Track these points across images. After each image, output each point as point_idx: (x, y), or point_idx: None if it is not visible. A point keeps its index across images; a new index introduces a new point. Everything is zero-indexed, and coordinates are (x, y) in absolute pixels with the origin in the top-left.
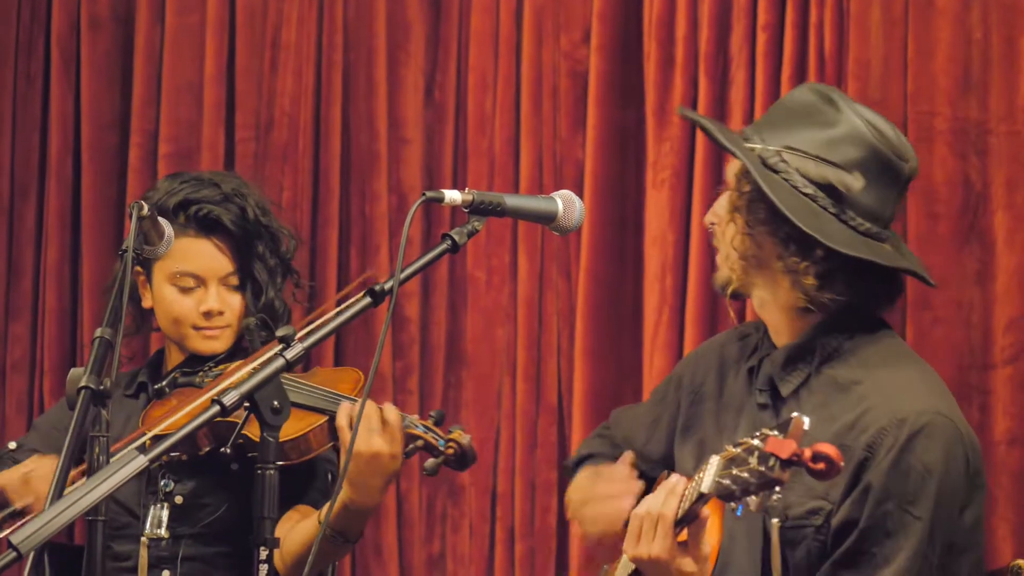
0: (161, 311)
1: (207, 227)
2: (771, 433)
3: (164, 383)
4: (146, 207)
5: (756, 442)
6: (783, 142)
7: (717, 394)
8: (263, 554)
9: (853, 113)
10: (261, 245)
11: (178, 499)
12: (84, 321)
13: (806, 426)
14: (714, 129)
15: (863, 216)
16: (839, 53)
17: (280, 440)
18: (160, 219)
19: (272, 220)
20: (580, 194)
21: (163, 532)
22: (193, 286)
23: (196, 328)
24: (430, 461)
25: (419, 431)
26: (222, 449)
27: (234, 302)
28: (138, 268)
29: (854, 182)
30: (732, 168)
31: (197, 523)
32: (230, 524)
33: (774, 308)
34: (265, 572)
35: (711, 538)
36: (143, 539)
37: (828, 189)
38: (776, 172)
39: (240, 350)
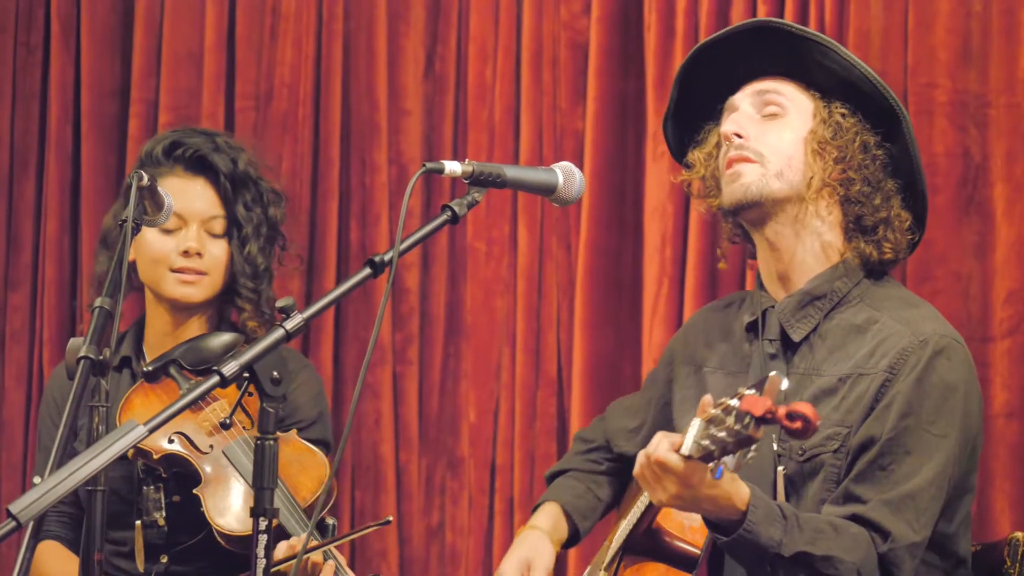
0: (142, 254)
1: (195, 167)
2: (747, 392)
3: (157, 367)
4: (146, 177)
5: (733, 401)
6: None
7: (712, 358)
8: (262, 524)
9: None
10: (249, 196)
11: (175, 497)
12: (83, 291)
13: (783, 385)
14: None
15: None
16: (839, 24)
17: (227, 534)
18: (159, 189)
19: (263, 179)
20: (580, 165)
21: (160, 520)
22: (175, 226)
23: (173, 271)
24: None
25: None
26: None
27: (215, 250)
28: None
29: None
30: (806, 105)
31: (193, 518)
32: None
33: (800, 245)
34: (264, 542)
35: None
36: (137, 524)
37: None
38: None
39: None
